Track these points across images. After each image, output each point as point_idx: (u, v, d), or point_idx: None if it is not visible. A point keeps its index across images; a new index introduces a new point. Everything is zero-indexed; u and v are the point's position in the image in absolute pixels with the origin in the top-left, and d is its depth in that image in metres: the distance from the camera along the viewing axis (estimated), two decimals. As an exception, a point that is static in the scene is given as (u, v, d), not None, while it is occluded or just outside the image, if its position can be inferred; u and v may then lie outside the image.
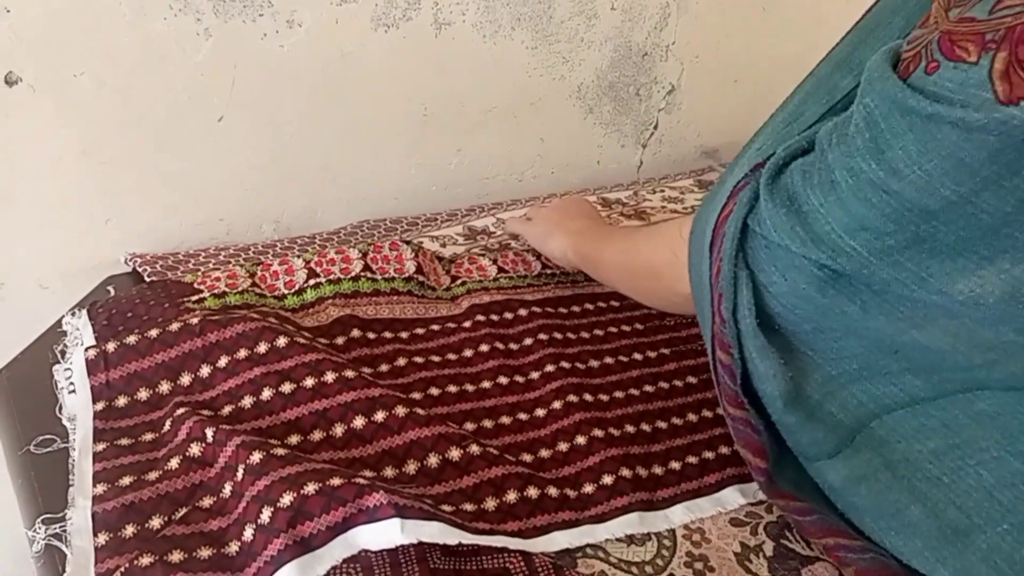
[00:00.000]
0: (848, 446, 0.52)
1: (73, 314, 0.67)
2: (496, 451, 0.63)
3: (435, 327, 0.78)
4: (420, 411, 0.63)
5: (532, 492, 0.60)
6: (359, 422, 0.61)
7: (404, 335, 0.76)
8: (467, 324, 0.78)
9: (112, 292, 0.76)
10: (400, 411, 0.61)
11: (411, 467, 0.60)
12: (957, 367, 0.46)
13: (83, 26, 0.76)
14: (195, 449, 0.56)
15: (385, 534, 0.50)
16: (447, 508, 0.56)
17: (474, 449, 0.61)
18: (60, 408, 0.61)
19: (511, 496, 0.59)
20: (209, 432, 0.56)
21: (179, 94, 0.83)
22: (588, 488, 0.61)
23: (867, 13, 0.57)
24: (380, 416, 0.61)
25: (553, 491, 0.60)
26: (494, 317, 0.80)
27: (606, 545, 0.56)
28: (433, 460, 0.60)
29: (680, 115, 1.30)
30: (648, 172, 1.31)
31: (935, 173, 0.39)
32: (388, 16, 0.93)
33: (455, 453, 0.61)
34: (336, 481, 0.52)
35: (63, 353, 0.64)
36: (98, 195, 0.84)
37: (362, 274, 0.79)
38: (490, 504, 0.58)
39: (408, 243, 0.85)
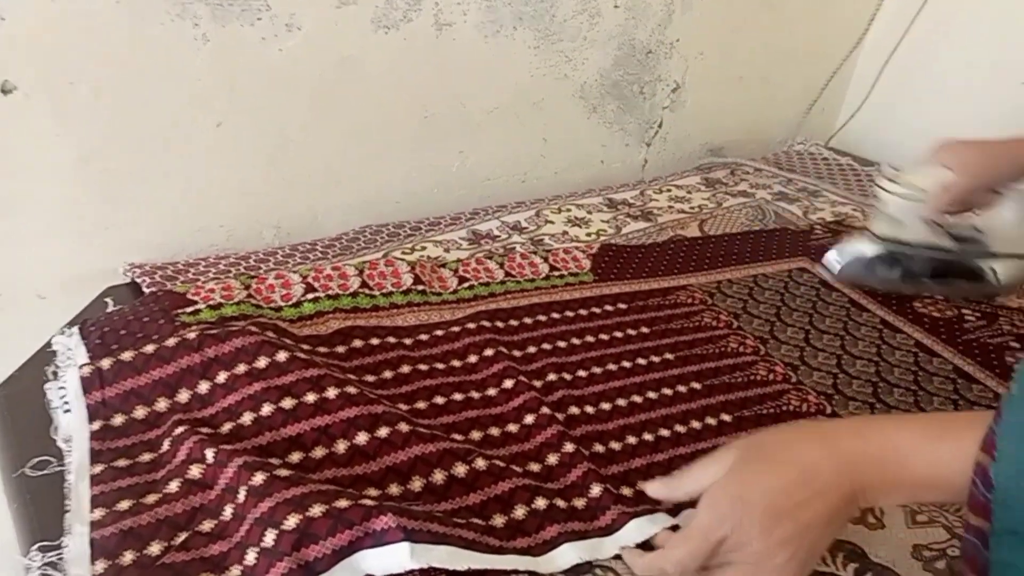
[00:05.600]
0: None
1: (64, 333, 0.66)
2: (503, 463, 0.61)
3: (439, 332, 0.77)
4: (423, 429, 0.61)
5: (540, 503, 0.58)
6: (362, 438, 0.59)
7: (408, 341, 0.74)
8: (472, 327, 0.77)
9: (110, 304, 0.75)
10: (403, 427, 0.60)
11: (416, 484, 0.58)
12: None
13: (79, 33, 0.74)
14: (195, 471, 0.54)
15: (393, 558, 0.48)
16: (458, 521, 0.55)
17: (480, 464, 0.60)
18: (55, 428, 0.59)
19: (519, 512, 0.58)
20: (209, 453, 0.55)
21: (178, 100, 0.82)
22: (595, 491, 0.60)
23: None
24: (383, 432, 0.60)
25: (561, 503, 0.59)
26: (499, 324, 0.79)
27: (615, 565, 0.55)
28: (439, 476, 0.59)
29: (685, 113, 1.28)
30: (653, 171, 1.30)
31: None
32: (388, 18, 0.91)
33: (461, 469, 0.59)
34: (343, 503, 0.50)
35: (56, 373, 0.63)
36: (97, 203, 0.83)
37: (360, 290, 0.78)
38: (498, 521, 0.57)
39: (403, 259, 0.84)
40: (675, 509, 0.59)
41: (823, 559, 0.57)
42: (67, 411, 0.60)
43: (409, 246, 0.94)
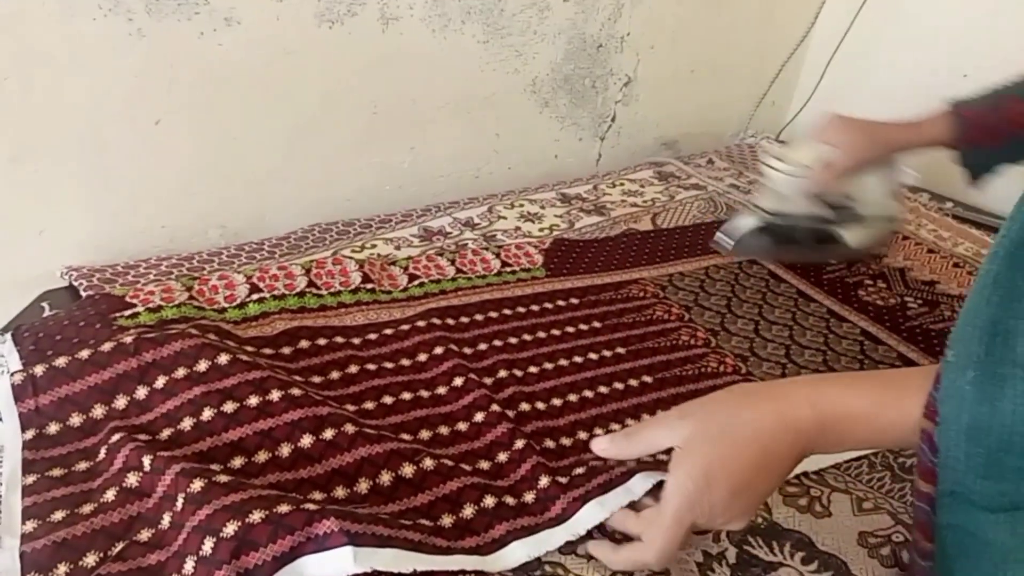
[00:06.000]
0: None
1: (-4, 339, 0.64)
2: (451, 462, 0.61)
3: (388, 331, 0.76)
4: (370, 430, 0.60)
5: (489, 502, 0.58)
6: (307, 441, 0.58)
7: (356, 341, 0.73)
8: (422, 326, 0.76)
9: (47, 309, 0.73)
10: (349, 428, 0.59)
11: (363, 486, 0.57)
12: None
13: (5, 28, 0.71)
14: (132, 479, 0.53)
15: (336, 563, 0.48)
16: (405, 522, 0.54)
17: (428, 464, 0.59)
18: (-15, 439, 0.57)
19: (468, 511, 0.57)
20: (146, 460, 0.53)
21: (113, 97, 0.80)
22: (544, 481, 0.59)
23: None
24: (329, 434, 0.59)
25: (510, 500, 0.59)
26: (450, 321, 0.78)
27: (565, 561, 0.55)
28: (386, 478, 0.58)
29: (637, 107, 1.28)
30: (607, 165, 1.30)
31: None
32: (332, 12, 0.89)
33: (408, 469, 0.59)
34: (284, 508, 0.49)
35: (-14, 382, 0.61)
36: (30, 205, 0.80)
37: (307, 290, 0.76)
38: (447, 521, 0.56)
39: (351, 257, 0.83)
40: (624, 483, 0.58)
41: (771, 550, 0.58)
42: (-3, 421, 0.58)
43: (359, 244, 0.92)
